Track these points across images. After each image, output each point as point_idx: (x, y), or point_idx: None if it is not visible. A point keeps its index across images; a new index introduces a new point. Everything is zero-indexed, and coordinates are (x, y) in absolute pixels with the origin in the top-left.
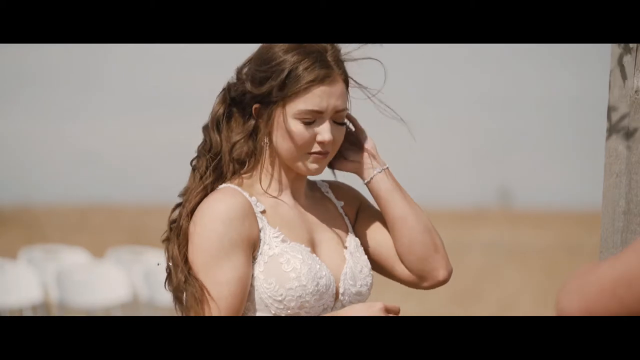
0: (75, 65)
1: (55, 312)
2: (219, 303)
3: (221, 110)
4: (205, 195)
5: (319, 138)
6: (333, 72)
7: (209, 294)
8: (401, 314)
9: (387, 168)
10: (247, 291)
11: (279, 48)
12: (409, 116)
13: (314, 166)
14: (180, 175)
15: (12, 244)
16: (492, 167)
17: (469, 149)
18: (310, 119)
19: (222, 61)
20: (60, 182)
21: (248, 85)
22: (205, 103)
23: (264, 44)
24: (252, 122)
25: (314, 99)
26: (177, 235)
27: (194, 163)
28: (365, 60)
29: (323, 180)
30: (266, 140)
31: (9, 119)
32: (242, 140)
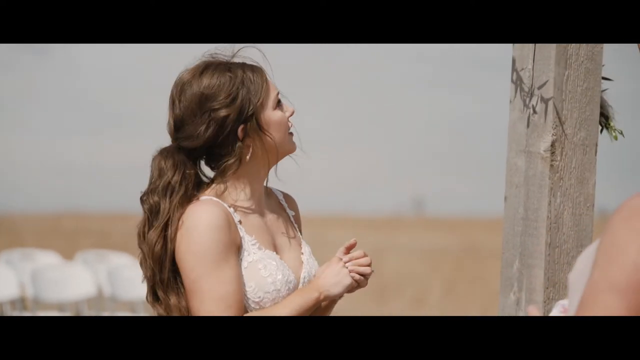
0: (51, 83)
1: (30, 307)
2: (228, 299)
3: (177, 177)
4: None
5: (287, 114)
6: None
7: (217, 294)
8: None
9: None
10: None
11: (216, 71)
12: (331, 134)
13: (295, 144)
14: (144, 186)
15: None
16: (407, 179)
17: (387, 163)
18: (278, 101)
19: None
20: (36, 192)
21: (226, 112)
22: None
23: (178, 86)
24: (239, 143)
25: (271, 87)
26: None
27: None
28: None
29: (277, 189)
30: (251, 149)
31: None
32: (235, 161)
